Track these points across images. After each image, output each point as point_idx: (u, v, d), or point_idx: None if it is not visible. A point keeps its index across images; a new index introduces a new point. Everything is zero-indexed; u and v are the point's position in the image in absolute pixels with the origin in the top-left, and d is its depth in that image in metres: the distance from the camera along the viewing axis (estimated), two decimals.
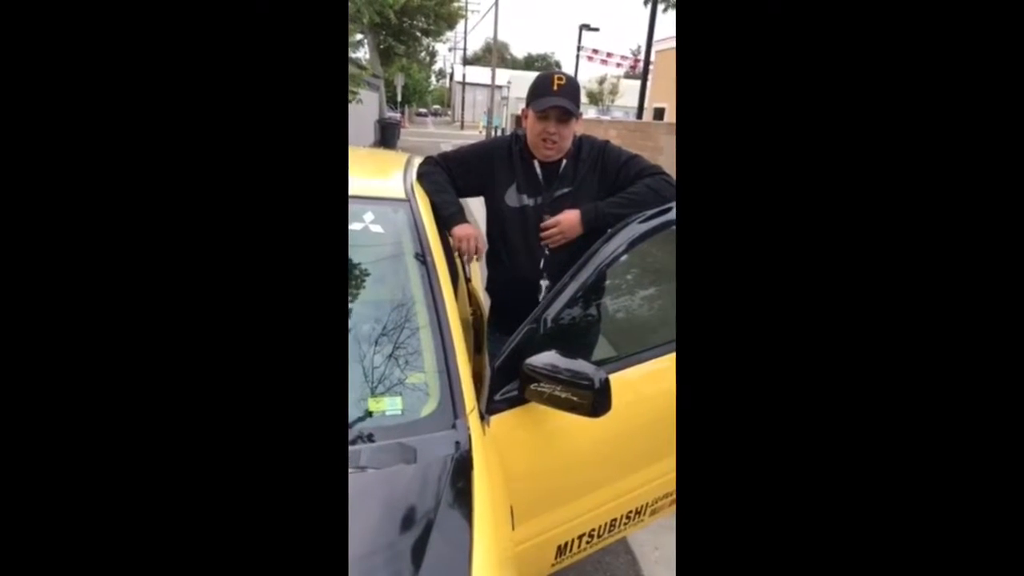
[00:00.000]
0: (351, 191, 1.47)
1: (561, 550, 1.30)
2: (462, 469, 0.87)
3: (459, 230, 1.45)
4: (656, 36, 11.12)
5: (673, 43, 15.29)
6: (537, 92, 1.47)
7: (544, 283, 1.51)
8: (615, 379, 1.18)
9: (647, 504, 1.42)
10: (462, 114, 37.82)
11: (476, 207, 1.66)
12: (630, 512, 1.39)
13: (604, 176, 1.52)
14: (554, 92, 1.43)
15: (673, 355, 1.31)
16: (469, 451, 0.90)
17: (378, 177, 1.68)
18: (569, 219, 1.46)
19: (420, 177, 1.55)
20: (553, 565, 1.31)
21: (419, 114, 48.46)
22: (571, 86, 1.46)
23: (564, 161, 1.52)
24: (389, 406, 0.96)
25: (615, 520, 1.37)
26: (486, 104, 26.58)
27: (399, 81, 24.03)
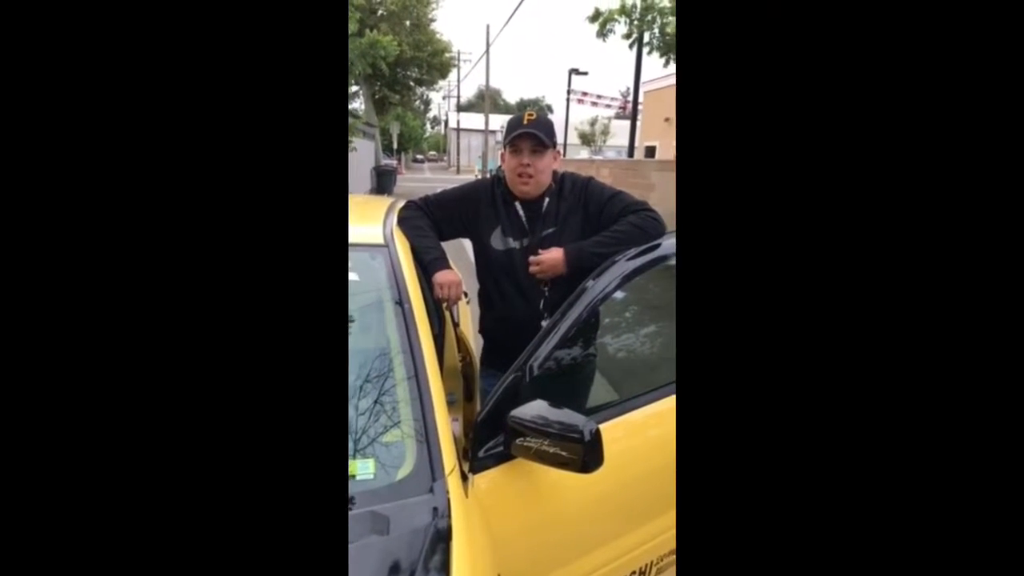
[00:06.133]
0: None
1: None
2: (440, 540, 0.78)
3: (439, 276, 1.39)
4: (643, 77, 11.41)
5: (659, 84, 15.69)
6: (509, 129, 1.47)
7: (544, 323, 1.44)
8: (615, 425, 1.09)
9: (652, 562, 1.31)
10: (457, 159, 38.47)
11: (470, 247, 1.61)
12: (634, 572, 1.28)
13: (588, 214, 1.48)
14: (524, 125, 1.43)
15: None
16: (448, 518, 0.82)
17: (357, 223, 1.63)
18: (552, 257, 1.42)
19: (401, 222, 1.50)
20: None
21: (416, 160, 49.35)
22: (542, 119, 1.46)
23: (547, 199, 1.48)
24: (360, 470, 0.88)
25: None
26: (480, 148, 27.10)
27: (394, 129, 24.54)
